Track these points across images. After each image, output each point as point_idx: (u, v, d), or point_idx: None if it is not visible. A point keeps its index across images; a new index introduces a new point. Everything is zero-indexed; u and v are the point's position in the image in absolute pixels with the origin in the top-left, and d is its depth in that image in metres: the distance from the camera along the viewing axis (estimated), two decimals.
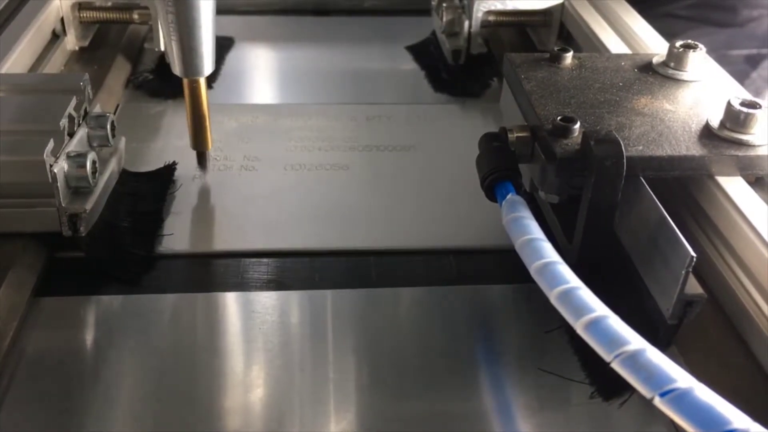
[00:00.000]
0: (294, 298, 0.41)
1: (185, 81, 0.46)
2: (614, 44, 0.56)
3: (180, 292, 0.42)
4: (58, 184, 0.39)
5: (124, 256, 0.43)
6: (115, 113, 0.58)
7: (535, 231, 0.35)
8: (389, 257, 0.45)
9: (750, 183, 0.39)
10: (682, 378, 0.26)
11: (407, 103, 0.63)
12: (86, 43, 0.64)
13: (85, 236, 0.41)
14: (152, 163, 0.51)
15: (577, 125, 0.38)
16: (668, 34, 0.56)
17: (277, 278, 0.43)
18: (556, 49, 0.46)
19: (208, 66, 0.46)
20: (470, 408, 0.35)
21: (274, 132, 0.57)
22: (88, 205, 0.41)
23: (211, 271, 0.43)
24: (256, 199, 0.49)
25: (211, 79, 0.65)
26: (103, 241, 0.42)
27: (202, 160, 0.51)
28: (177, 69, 0.45)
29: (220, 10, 0.79)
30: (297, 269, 0.43)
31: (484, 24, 0.66)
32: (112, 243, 0.43)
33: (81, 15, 0.63)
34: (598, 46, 0.57)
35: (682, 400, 0.25)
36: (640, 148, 0.38)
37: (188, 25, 0.43)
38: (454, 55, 0.66)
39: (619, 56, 0.49)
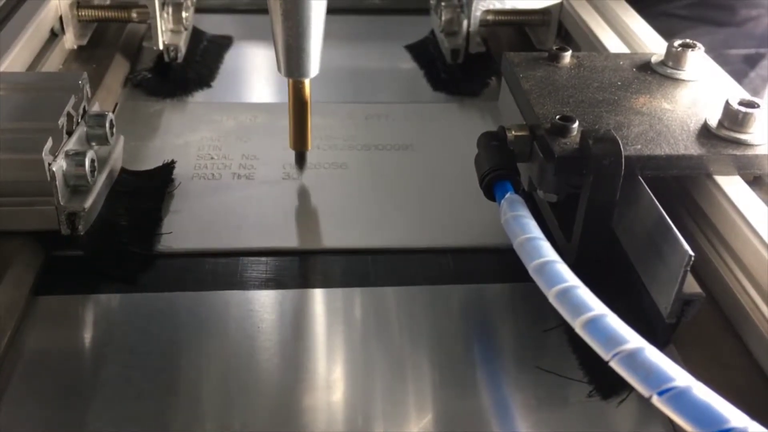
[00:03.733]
0: (292, 296, 0.41)
1: (290, 81, 0.46)
2: (613, 43, 0.56)
3: (178, 290, 0.41)
4: (57, 182, 0.39)
5: (122, 255, 0.43)
6: (113, 112, 0.58)
7: (534, 230, 0.35)
8: (387, 256, 0.45)
9: (748, 182, 0.39)
10: (680, 376, 0.26)
11: (406, 102, 0.63)
12: (85, 42, 0.64)
13: (83, 235, 0.41)
14: (151, 161, 0.51)
15: (576, 124, 0.38)
16: (667, 34, 0.56)
17: (276, 277, 0.43)
18: (554, 48, 0.46)
19: (314, 67, 0.45)
20: (468, 406, 0.35)
21: (273, 131, 0.57)
22: (87, 204, 0.41)
23: (209, 270, 0.43)
24: (254, 198, 0.49)
25: (209, 78, 0.65)
26: (102, 240, 0.42)
27: (301, 160, 0.50)
28: (282, 69, 0.45)
29: (220, 9, 0.80)
30: (295, 268, 0.43)
31: (483, 23, 0.66)
32: (110, 241, 0.43)
33: (79, 13, 0.63)
34: (596, 46, 0.57)
35: (680, 398, 0.25)
36: (639, 147, 0.38)
37: (300, 25, 0.42)
38: (452, 54, 0.66)
39: (618, 55, 0.49)
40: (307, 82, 0.46)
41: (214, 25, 0.73)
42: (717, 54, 0.55)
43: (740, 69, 0.84)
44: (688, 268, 0.32)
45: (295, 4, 0.41)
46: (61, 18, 0.62)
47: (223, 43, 0.72)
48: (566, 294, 0.31)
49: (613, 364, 0.28)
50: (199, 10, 0.71)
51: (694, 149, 0.38)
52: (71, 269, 0.42)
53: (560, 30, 0.66)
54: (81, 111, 0.44)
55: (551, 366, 0.37)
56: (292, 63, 0.44)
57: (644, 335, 0.28)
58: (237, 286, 0.42)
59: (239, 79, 0.68)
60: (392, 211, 0.48)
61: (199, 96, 0.63)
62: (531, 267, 0.33)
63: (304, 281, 0.42)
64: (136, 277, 0.42)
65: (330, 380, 0.36)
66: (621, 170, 0.35)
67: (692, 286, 0.33)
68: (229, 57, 0.70)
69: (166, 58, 0.63)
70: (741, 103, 0.39)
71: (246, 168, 0.52)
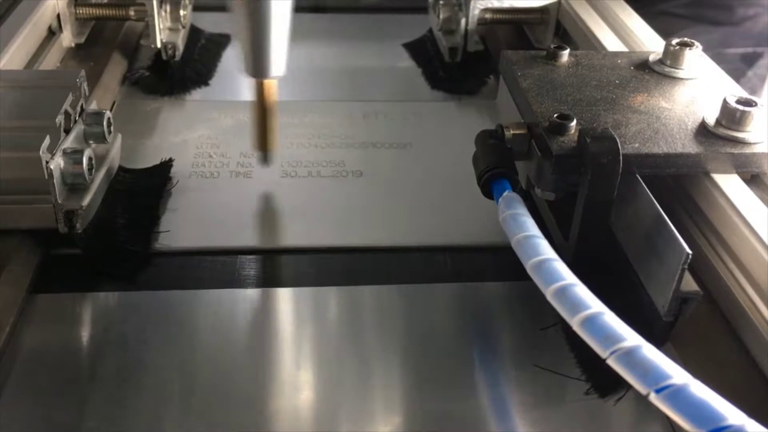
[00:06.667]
0: (290, 295, 0.41)
1: (255, 82, 0.46)
2: (611, 42, 0.56)
3: (176, 288, 0.41)
4: (54, 180, 0.39)
5: (120, 253, 0.43)
6: (111, 110, 0.58)
7: (532, 228, 0.35)
8: (385, 254, 0.45)
9: (746, 180, 0.39)
10: (677, 374, 0.26)
11: (404, 101, 0.63)
12: (82, 40, 0.64)
13: (81, 233, 0.41)
14: (148, 159, 0.51)
15: (574, 122, 0.38)
16: (664, 32, 0.56)
17: (273, 275, 0.43)
18: (552, 46, 0.46)
19: (278, 67, 0.44)
20: (466, 405, 0.35)
21: None
22: (84, 202, 0.41)
23: (207, 268, 0.43)
24: (252, 196, 0.49)
25: (207, 76, 0.65)
26: (99, 238, 0.42)
27: (265, 160, 0.50)
28: (248, 69, 0.45)
29: (218, 7, 0.79)
30: (293, 266, 0.43)
31: (481, 21, 0.66)
32: (108, 240, 0.43)
33: (77, 11, 0.63)
34: (594, 44, 0.57)
35: (677, 396, 0.25)
36: (636, 145, 0.38)
37: (260, 24, 0.42)
38: (450, 52, 0.66)
39: (616, 54, 0.49)
40: (271, 82, 0.46)
41: (212, 23, 0.73)
42: (715, 53, 0.55)
43: (738, 68, 0.84)
44: (686, 266, 0.32)
45: (258, 4, 0.41)
46: (58, 16, 0.62)
47: (221, 42, 0.72)
48: (564, 292, 0.31)
49: (611, 362, 0.28)
50: (197, 8, 0.71)
51: (691, 147, 0.38)
52: (69, 267, 0.42)
53: (558, 28, 0.66)
54: (79, 109, 0.44)
55: (549, 364, 0.37)
56: (258, 63, 0.44)
57: (642, 333, 0.28)
58: (235, 285, 0.42)
59: (237, 77, 0.68)
60: (390, 210, 0.48)
61: (197, 94, 0.63)
62: (529, 265, 0.33)
63: (303, 280, 0.42)
64: (133, 275, 0.42)
65: (328, 379, 0.36)
66: (619, 168, 0.35)
67: (690, 284, 0.33)
68: (227, 55, 0.70)
69: (164, 57, 0.63)
70: (739, 102, 0.39)
71: (244, 166, 0.52)
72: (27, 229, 0.41)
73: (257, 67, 0.44)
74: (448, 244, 0.45)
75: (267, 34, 0.42)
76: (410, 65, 0.70)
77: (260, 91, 0.46)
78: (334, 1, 0.82)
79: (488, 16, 0.66)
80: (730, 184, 0.38)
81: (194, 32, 0.69)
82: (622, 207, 0.37)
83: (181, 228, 0.46)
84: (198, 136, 0.56)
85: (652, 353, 0.27)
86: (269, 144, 0.49)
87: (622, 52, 0.52)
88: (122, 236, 0.43)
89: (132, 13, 0.64)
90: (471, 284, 0.43)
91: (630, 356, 0.27)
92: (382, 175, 0.52)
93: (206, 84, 0.65)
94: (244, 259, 0.44)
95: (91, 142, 0.45)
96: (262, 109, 0.47)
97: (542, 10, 0.66)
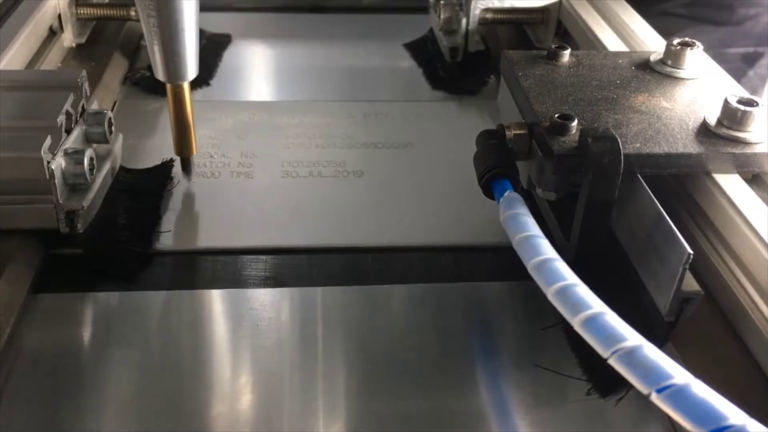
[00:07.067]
0: (291, 295, 0.41)
1: (168, 86, 0.45)
2: (612, 42, 0.56)
3: (177, 288, 0.41)
4: (56, 180, 0.39)
5: (121, 253, 0.43)
6: (112, 110, 0.58)
7: (533, 228, 0.35)
8: (386, 254, 0.45)
9: (747, 180, 0.39)
10: (678, 374, 0.26)
11: (404, 101, 0.63)
12: (83, 40, 0.64)
13: (82, 233, 0.41)
14: (149, 159, 0.51)
15: (575, 122, 0.38)
16: (665, 32, 0.56)
17: (274, 275, 0.43)
18: (553, 46, 0.46)
19: (191, 70, 0.44)
20: (467, 405, 0.35)
21: (271, 129, 0.57)
22: (86, 202, 0.41)
23: (208, 268, 0.43)
24: (253, 196, 0.49)
25: (208, 76, 0.65)
26: (101, 238, 0.42)
27: (186, 165, 0.50)
28: (160, 74, 0.44)
29: (219, 7, 0.80)
30: (294, 266, 0.43)
31: (482, 21, 0.66)
32: (109, 240, 0.43)
33: (78, 12, 0.63)
34: (595, 44, 0.57)
35: (678, 396, 0.25)
36: (638, 145, 0.38)
37: (170, 29, 0.42)
38: (451, 52, 0.66)
39: (617, 54, 0.49)
40: (185, 85, 0.45)
41: (213, 23, 0.73)
42: (716, 53, 0.55)
43: (739, 68, 0.84)
44: (687, 266, 0.32)
45: (168, 10, 0.41)
46: (59, 16, 0.62)
47: (222, 42, 0.72)
48: (565, 292, 0.31)
49: (612, 362, 0.28)
50: None
51: (692, 147, 0.38)
52: (70, 267, 0.42)
53: (559, 28, 0.66)
54: (80, 109, 0.44)
55: (550, 364, 0.37)
56: (168, 67, 0.43)
57: (643, 333, 0.28)
58: (236, 285, 0.42)
59: (238, 77, 0.68)
60: (391, 210, 0.48)
61: (198, 94, 0.63)
62: (530, 265, 0.33)
63: (304, 279, 0.42)
64: (134, 275, 0.42)
65: (330, 378, 0.36)
66: (620, 169, 0.35)
67: (691, 284, 0.33)
68: (228, 55, 0.70)
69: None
70: (740, 102, 0.39)
71: (245, 166, 0.52)
72: (28, 229, 0.41)
73: (173, 71, 0.44)
74: (448, 244, 0.45)
75: (182, 37, 0.42)
76: (411, 65, 0.70)
77: (176, 94, 0.46)
78: (334, 1, 0.82)
79: (489, 16, 0.66)
80: (731, 184, 0.38)
81: None
82: (624, 207, 0.37)
83: (182, 228, 0.46)
84: (199, 136, 0.55)
85: (653, 353, 0.27)
86: (188, 149, 0.48)
87: (623, 52, 0.52)
88: (123, 236, 0.43)
89: (133, 13, 0.64)
90: (472, 284, 0.43)
91: (631, 356, 0.27)
92: (382, 175, 0.52)
93: (207, 84, 0.65)
94: (245, 259, 0.44)
95: (92, 142, 0.45)
96: (179, 114, 0.47)
97: (543, 9, 0.66)
